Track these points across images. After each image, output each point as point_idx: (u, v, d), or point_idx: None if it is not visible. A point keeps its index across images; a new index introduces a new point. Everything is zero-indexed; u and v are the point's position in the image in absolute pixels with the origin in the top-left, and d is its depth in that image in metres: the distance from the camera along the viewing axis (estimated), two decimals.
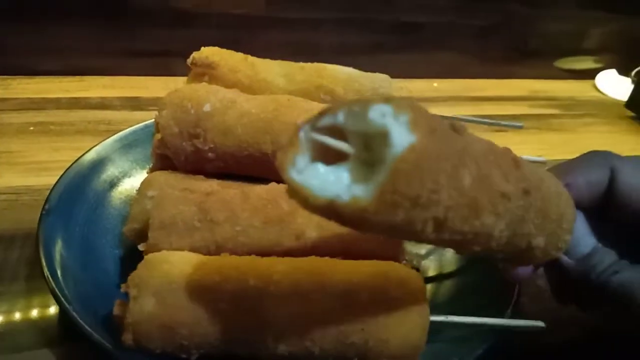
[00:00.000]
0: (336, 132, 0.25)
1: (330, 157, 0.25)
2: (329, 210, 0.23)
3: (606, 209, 0.35)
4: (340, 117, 0.24)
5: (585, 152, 0.38)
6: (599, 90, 1.08)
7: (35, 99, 0.71)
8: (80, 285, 0.39)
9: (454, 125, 0.25)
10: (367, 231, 0.25)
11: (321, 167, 0.25)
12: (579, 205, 0.34)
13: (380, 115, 0.23)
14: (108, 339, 0.34)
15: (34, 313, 0.42)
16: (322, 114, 0.25)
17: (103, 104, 0.73)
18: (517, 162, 0.28)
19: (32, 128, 0.65)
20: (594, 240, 0.35)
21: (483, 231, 0.26)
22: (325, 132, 0.25)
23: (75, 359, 0.39)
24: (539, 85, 1.04)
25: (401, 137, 0.22)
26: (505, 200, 0.27)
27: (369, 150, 0.24)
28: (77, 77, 0.78)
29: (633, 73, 1.04)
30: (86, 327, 0.34)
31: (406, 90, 0.93)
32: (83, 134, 0.65)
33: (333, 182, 0.24)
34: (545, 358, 0.46)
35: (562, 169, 0.36)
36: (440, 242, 0.26)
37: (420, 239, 0.25)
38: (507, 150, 0.28)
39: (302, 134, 0.25)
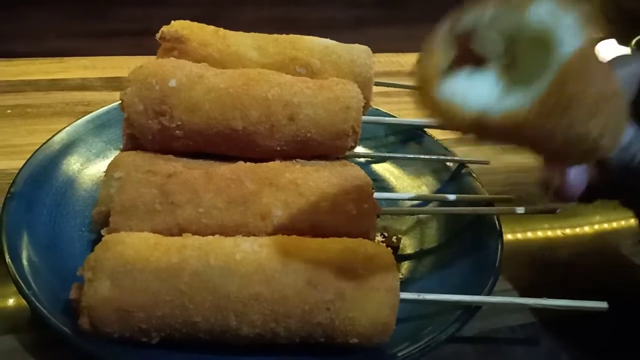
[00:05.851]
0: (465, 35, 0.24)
1: (460, 62, 0.24)
2: (477, 123, 0.23)
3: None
4: (487, 16, 0.23)
5: None
6: None
7: (13, 81, 0.69)
8: (43, 271, 0.38)
9: None
10: (506, 142, 0.26)
11: (463, 77, 0.24)
12: None
13: (545, 12, 0.22)
14: (68, 324, 0.33)
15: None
16: (462, 14, 0.24)
17: (83, 85, 0.71)
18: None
19: (9, 111, 0.63)
20: (631, 130, 0.35)
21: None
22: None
23: (41, 346, 0.38)
24: None
25: (570, 36, 0.21)
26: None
27: (509, 55, 0.23)
28: (57, 59, 0.76)
29: (633, 42, 1.01)
30: (44, 311, 0.33)
31: (397, 63, 0.91)
32: (60, 116, 0.63)
33: (481, 93, 0.23)
34: None
35: None
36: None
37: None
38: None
39: (441, 40, 0.24)
